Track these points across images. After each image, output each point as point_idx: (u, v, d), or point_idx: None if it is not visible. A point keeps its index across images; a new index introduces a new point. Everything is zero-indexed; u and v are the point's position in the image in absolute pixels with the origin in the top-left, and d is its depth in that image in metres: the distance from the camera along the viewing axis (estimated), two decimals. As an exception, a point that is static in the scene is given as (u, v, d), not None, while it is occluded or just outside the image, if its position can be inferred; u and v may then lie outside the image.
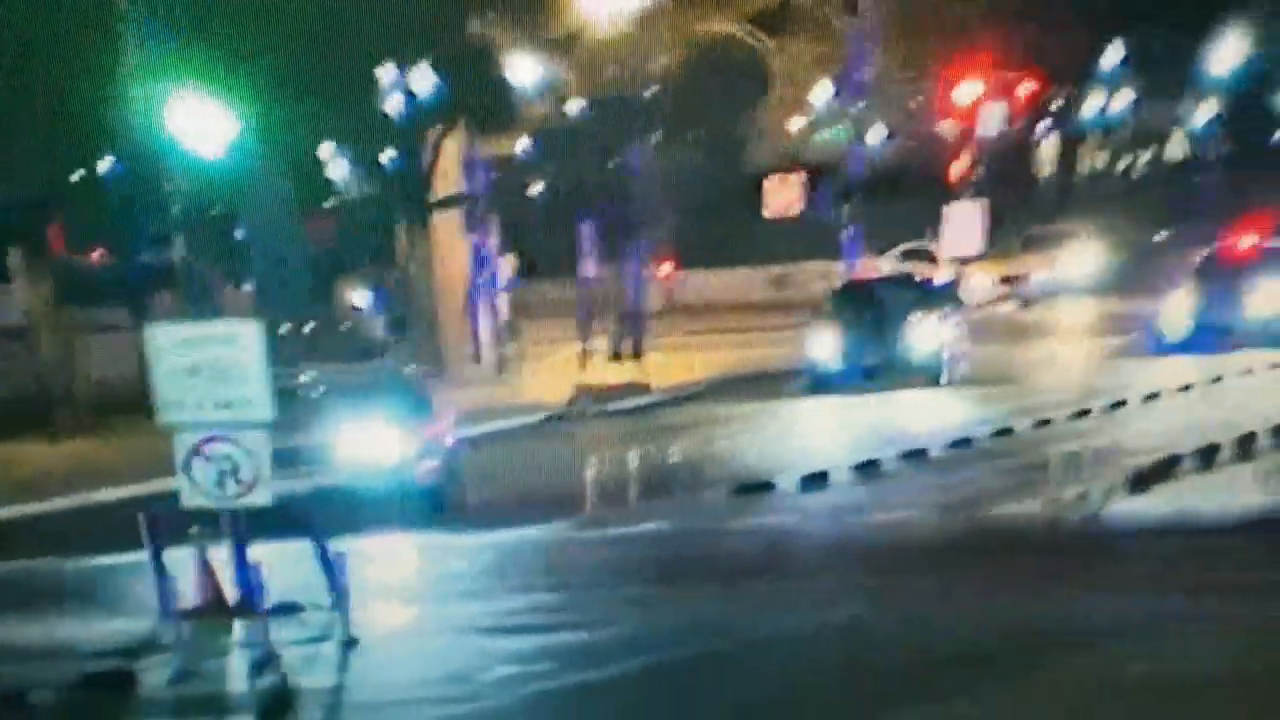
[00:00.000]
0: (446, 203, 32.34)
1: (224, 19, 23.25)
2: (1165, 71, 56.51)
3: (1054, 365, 27.38)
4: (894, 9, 41.18)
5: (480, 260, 32.60)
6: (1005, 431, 19.32)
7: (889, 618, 10.63)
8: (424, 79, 30.57)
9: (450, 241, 32.59)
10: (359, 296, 31.03)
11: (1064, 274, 41.04)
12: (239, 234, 29.81)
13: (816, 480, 16.96)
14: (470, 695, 9.54)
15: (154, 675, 10.31)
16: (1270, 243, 28.51)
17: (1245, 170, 49.78)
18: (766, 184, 44.82)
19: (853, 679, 9.41)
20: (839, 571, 12.70)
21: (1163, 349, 26.31)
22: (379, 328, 28.33)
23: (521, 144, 41.84)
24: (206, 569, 10.92)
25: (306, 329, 21.02)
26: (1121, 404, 20.67)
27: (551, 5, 32.12)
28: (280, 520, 10.92)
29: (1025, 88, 52.23)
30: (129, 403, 19.95)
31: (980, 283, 39.95)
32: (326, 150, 35.12)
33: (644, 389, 27.60)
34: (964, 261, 38.66)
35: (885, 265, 41.50)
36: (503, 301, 33.80)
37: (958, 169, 45.15)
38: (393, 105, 30.80)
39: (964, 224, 37.30)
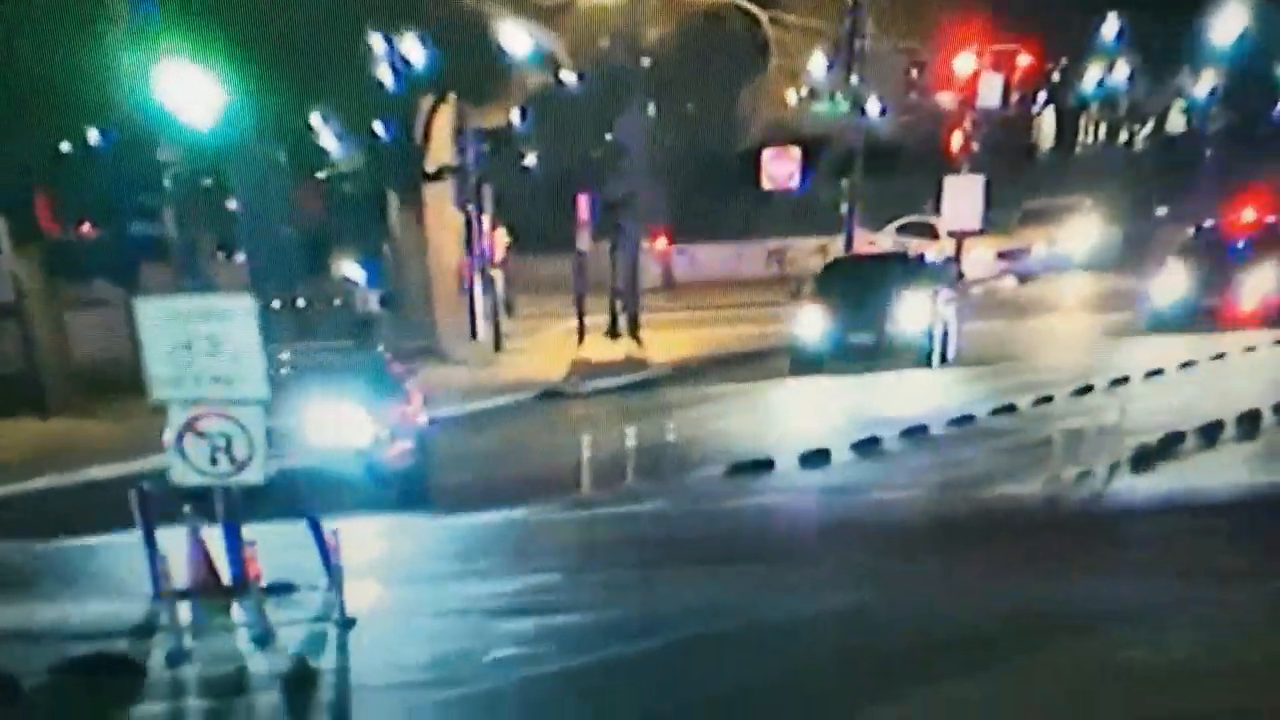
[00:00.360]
0: (439, 174, 32.22)
1: None
2: (1164, 44, 56.47)
3: (1050, 342, 27.37)
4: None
5: (473, 234, 32.51)
6: (1007, 409, 19.28)
7: (889, 600, 10.63)
8: (416, 49, 30.43)
9: (443, 214, 32.47)
10: (352, 270, 30.87)
11: (1063, 249, 41.05)
12: (230, 205, 29.66)
13: (816, 458, 16.91)
14: (469, 677, 9.51)
15: (147, 657, 10.24)
16: (1269, 218, 28.52)
17: (1245, 144, 49.79)
18: (764, 156, 44.61)
19: (853, 661, 9.41)
20: (839, 552, 12.66)
21: (1156, 325, 26.26)
22: (372, 302, 28.16)
23: (514, 115, 41.68)
24: (199, 548, 10.90)
25: (299, 303, 20.84)
26: (1123, 381, 20.64)
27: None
28: (272, 499, 10.90)
29: (1024, 60, 52.21)
30: (120, 379, 19.93)
31: (978, 258, 39.97)
32: (318, 120, 34.92)
33: (640, 365, 27.57)
34: (962, 236, 38.65)
35: (884, 240, 41.43)
36: (498, 276, 33.70)
37: (956, 142, 45.04)
38: (385, 75, 30.66)
39: (963, 197, 37.28)
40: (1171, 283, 26.72)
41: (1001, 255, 41.17)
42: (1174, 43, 55.04)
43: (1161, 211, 46.61)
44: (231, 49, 22.45)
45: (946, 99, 49.58)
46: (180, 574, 10.66)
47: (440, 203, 32.47)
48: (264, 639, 10.39)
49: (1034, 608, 10.15)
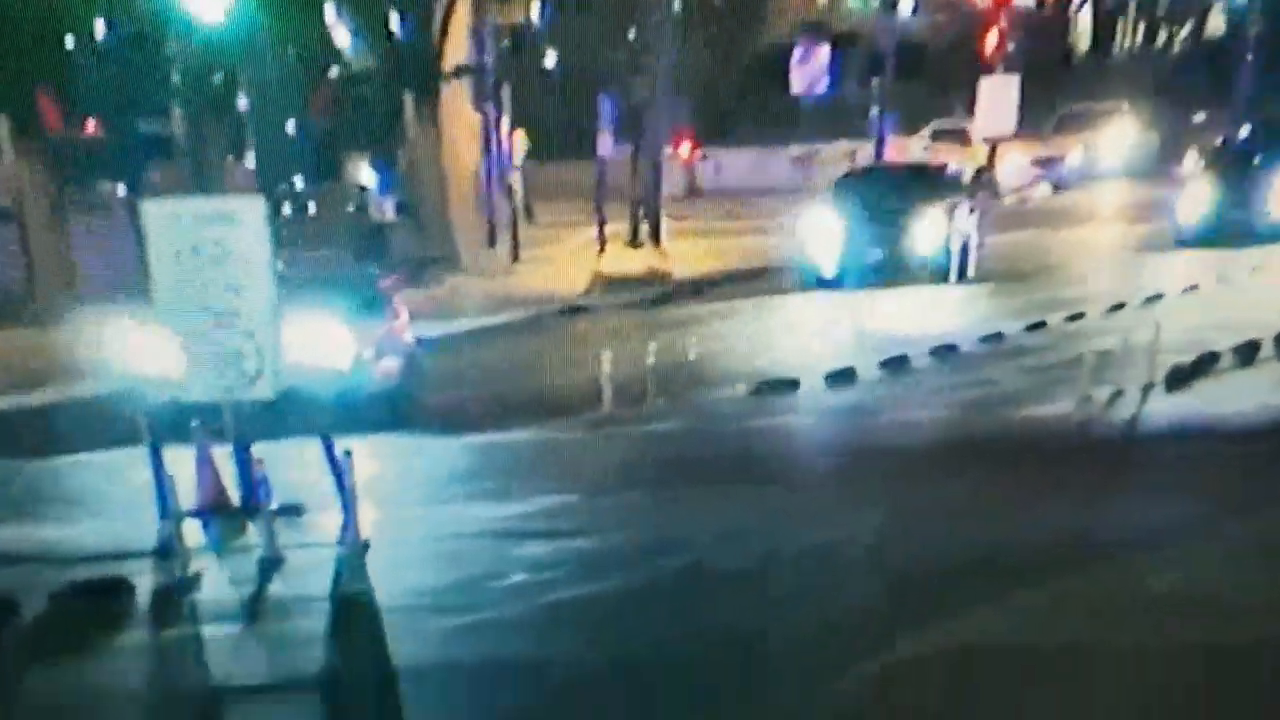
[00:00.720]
0: (456, 74, 31.95)
1: None
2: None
3: (1083, 255, 27.11)
4: None
5: (491, 137, 32.31)
6: (1038, 326, 19.25)
7: (913, 525, 10.65)
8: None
9: (460, 116, 32.23)
10: (365, 175, 30.69)
11: (1099, 156, 40.73)
12: (241, 105, 29.48)
13: (843, 377, 16.90)
14: (487, 603, 9.51)
15: (152, 580, 10.20)
16: None
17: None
18: (793, 56, 44.22)
19: (875, 589, 9.42)
20: (863, 475, 12.67)
21: (1184, 241, 25.98)
22: (386, 209, 28.01)
23: (534, 11, 41.37)
24: (209, 467, 10.87)
25: (310, 209, 20.71)
26: (1158, 297, 20.52)
27: None
28: (280, 416, 10.85)
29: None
30: (124, 287, 19.80)
31: (1012, 165, 39.67)
32: (331, 15, 34.62)
33: (662, 277, 27.37)
34: (996, 141, 38.36)
35: (915, 145, 41.16)
36: (517, 182, 33.47)
37: (991, 42, 44.59)
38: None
39: (998, 100, 36.92)
40: (1197, 196, 26.31)
41: (1036, 163, 40.83)
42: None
43: (1199, 118, 46.12)
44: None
45: (980, -6, 49.06)
46: (188, 494, 10.65)
47: (457, 104, 32.21)
48: (274, 562, 10.39)
49: (1061, 533, 10.17)
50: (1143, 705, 7.67)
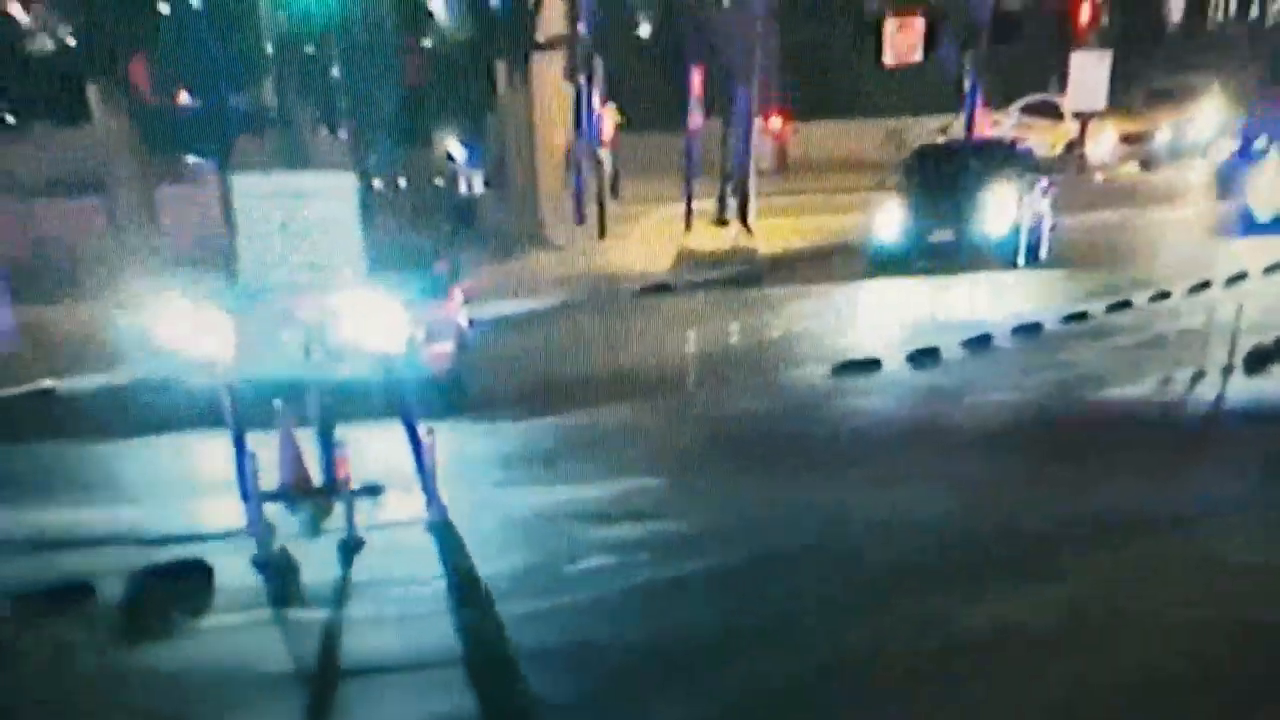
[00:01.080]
0: (549, 44, 31.83)
1: None
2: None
3: (1171, 234, 26.61)
4: None
5: (582, 109, 32.13)
6: (1122, 305, 19.15)
7: (990, 501, 10.75)
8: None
9: (551, 89, 32.14)
10: (455, 148, 30.65)
11: (1188, 132, 40.10)
12: (333, 74, 29.42)
13: (925, 357, 16.84)
14: (564, 587, 9.58)
15: (233, 560, 10.26)
16: None
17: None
18: (887, 28, 43.86)
19: (947, 564, 9.56)
20: (942, 455, 12.63)
21: (1252, 229, 25.35)
22: (475, 183, 28.03)
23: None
24: (291, 447, 10.87)
25: (400, 183, 20.71)
26: (1241, 277, 20.25)
27: None
28: (356, 397, 10.83)
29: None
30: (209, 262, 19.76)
31: (1103, 141, 39.16)
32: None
33: (749, 255, 27.11)
34: (1088, 116, 37.90)
35: (1006, 119, 40.67)
36: (606, 157, 33.29)
37: (1084, 15, 44.00)
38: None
39: (1090, 75, 36.52)
40: (1267, 180, 25.60)
41: (1125, 139, 40.24)
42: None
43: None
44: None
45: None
46: (270, 474, 10.66)
47: (549, 76, 32.11)
48: (355, 542, 10.41)
49: (1135, 511, 10.25)
50: (1210, 670, 7.79)
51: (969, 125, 36.51)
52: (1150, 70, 43.90)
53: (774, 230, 29.48)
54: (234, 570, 10.08)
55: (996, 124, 39.08)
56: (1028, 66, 43.65)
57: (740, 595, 9.31)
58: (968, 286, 22.34)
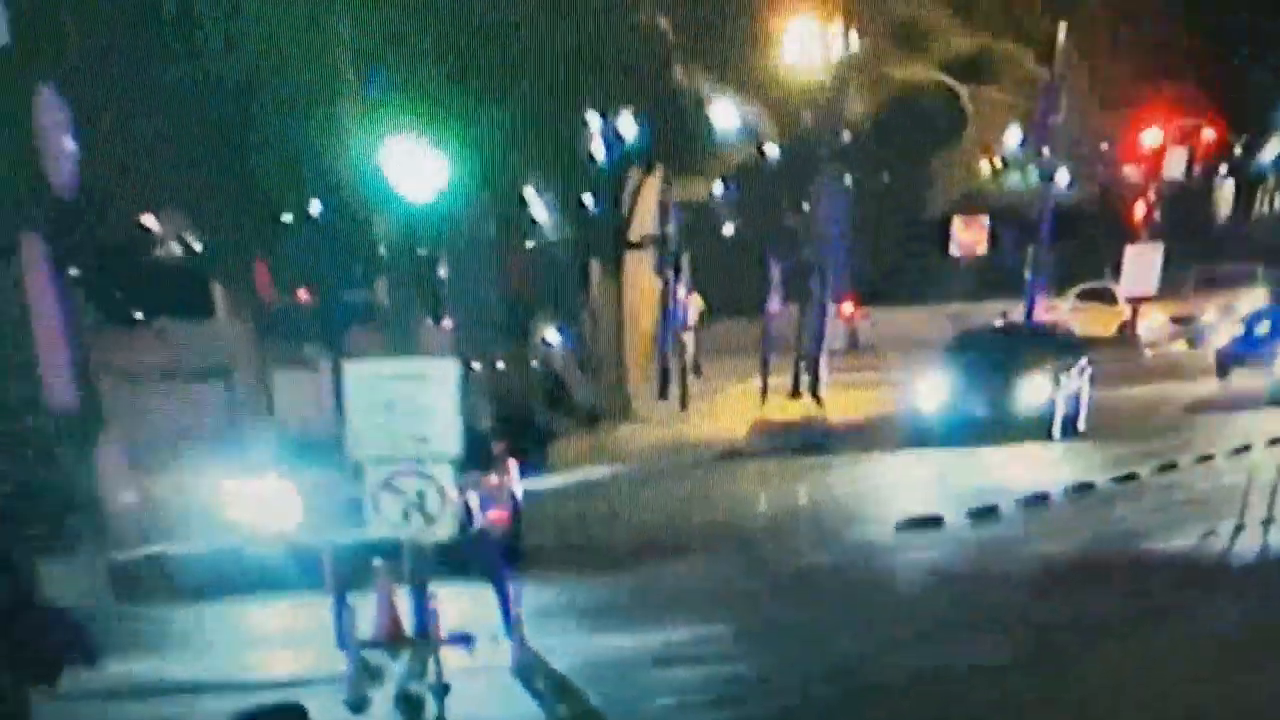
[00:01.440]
0: (640, 243, 32.42)
1: (436, 66, 23.25)
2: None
3: (1206, 405, 26.35)
4: (1085, 60, 40.54)
5: (669, 299, 32.65)
6: (1169, 467, 19.17)
7: (1049, 654, 10.65)
8: (628, 125, 30.68)
9: (641, 280, 32.64)
10: (550, 334, 31.13)
11: (1236, 316, 40.00)
12: (441, 273, 30.04)
13: (984, 514, 16.98)
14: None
15: (328, 706, 10.30)
16: None
17: None
18: (954, 224, 44.32)
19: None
20: (997, 604, 12.60)
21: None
22: (567, 365, 28.39)
23: (716, 186, 41.85)
24: (386, 600, 11.10)
25: (498, 365, 21.07)
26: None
27: (755, 53, 31.92)
28: (451, 552, 11.03)
29: (1208, 134, 51.18)
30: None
31: (1154, 322, 39.21)
32: (531, 192, 35.34)
33: (818, 425, 27.27)
34: (1139, 301, 37.98)
35: (1064, 304, 40.80)
36: (689, 340, 33.73)
37: (1139, 212, 44.29)
38: (598, 149, 30.91)
39: (1142, 265, 36.56)
40: None
41: (1175, 320, 40.24)
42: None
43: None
44: (454, 126, 22.85)
45: (1132, 171, 48.71)
46: (366, 625, 10.87)
47: (639, 270, 32.64)
48: (443, 686, 10.55)
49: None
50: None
51: (1028, 311, 36.68)
52: (1198, 259, 43.97)
53: (843, 403, 29.58)
54: (330, 714, 10.18)
55: (1054, 309, 39.19)
56: (1085, 257, 43.82)
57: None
58: (1011, 455, 22.26)
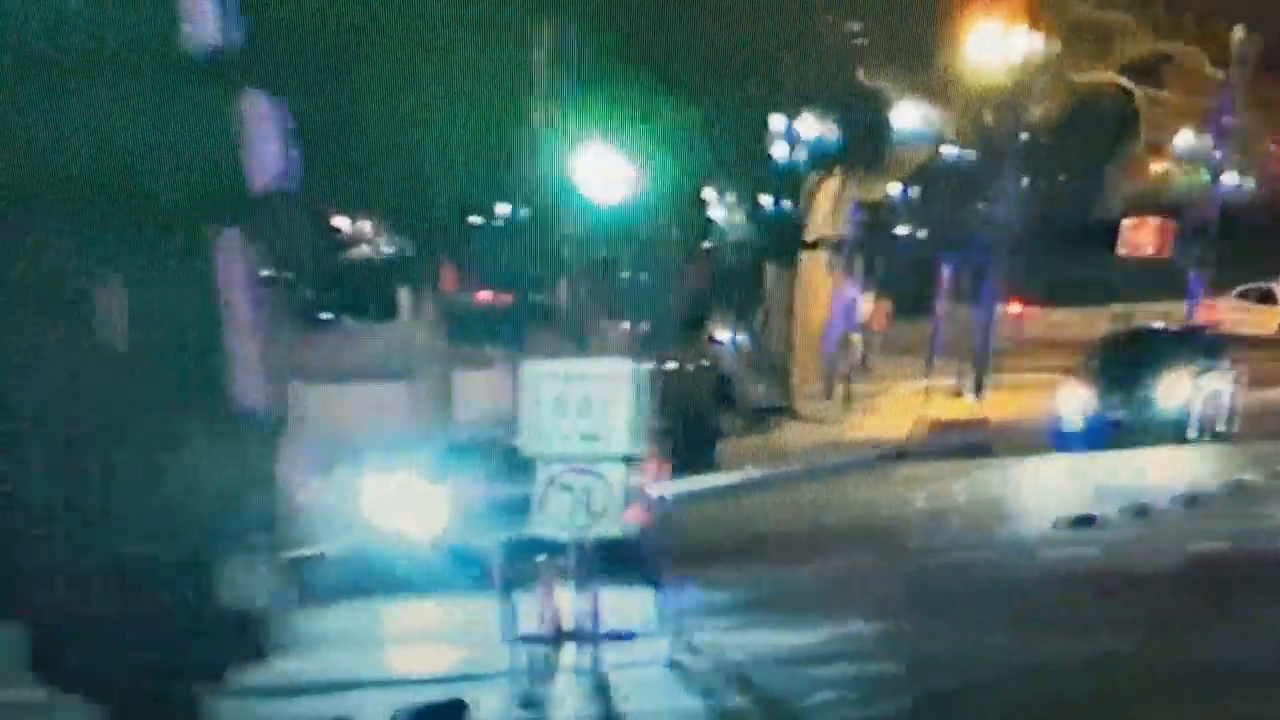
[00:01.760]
0: (817, 244, 32.09)
1: (625, 69, 23.08)
2: None
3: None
4: (1263, 59, 39.38)
5: (841, 299, 32.32)
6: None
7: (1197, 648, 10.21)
8: (811, 127, 30.37)
9: (814, 280, 32.34)
10: (722, 333, 30.97)
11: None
12: (621, 274, 29.98)
13: (1139, 512, 16.50)
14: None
15: (493, 701, 10.21)
16: None
17: None
18: (1124, 224, 43.43)
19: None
20: (1158, 600, 12.16)
21: None
22: (736, 363, 28.25)
23: (894, 188, 41.30)
24: (550, 596, 11.04)
25: (670, 364, 20.96)
26: None
27: (938, 55, 31.39)
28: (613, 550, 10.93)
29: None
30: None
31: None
32: (712, 194, 35.20)
33: (981, 425, 26.75)
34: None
35: (1224, 304, 39.69)
36: (857, 340, 33.32)
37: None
38: (779, 151, 30.66)
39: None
40: None
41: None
42: None
43: None
44: (643, 131, 22.78)
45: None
46: (531, 620, 10.81)
47: (812, 270, 32.34)
48: (602, 680, 10.46)
49: None
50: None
51: (1190, 311, 35.78)
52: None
53: (1005, 403, 29.04)
54: (492, 708, 10.11)
55: (1214, 308, 38.12)
56: (1247, 257, 42.58)
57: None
58: (1156, 456, 21.68)
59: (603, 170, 23.04)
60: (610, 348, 24.26)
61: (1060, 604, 12.33)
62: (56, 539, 5.60)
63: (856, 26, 29.45)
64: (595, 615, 10.79)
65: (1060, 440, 23.43)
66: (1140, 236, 43.29)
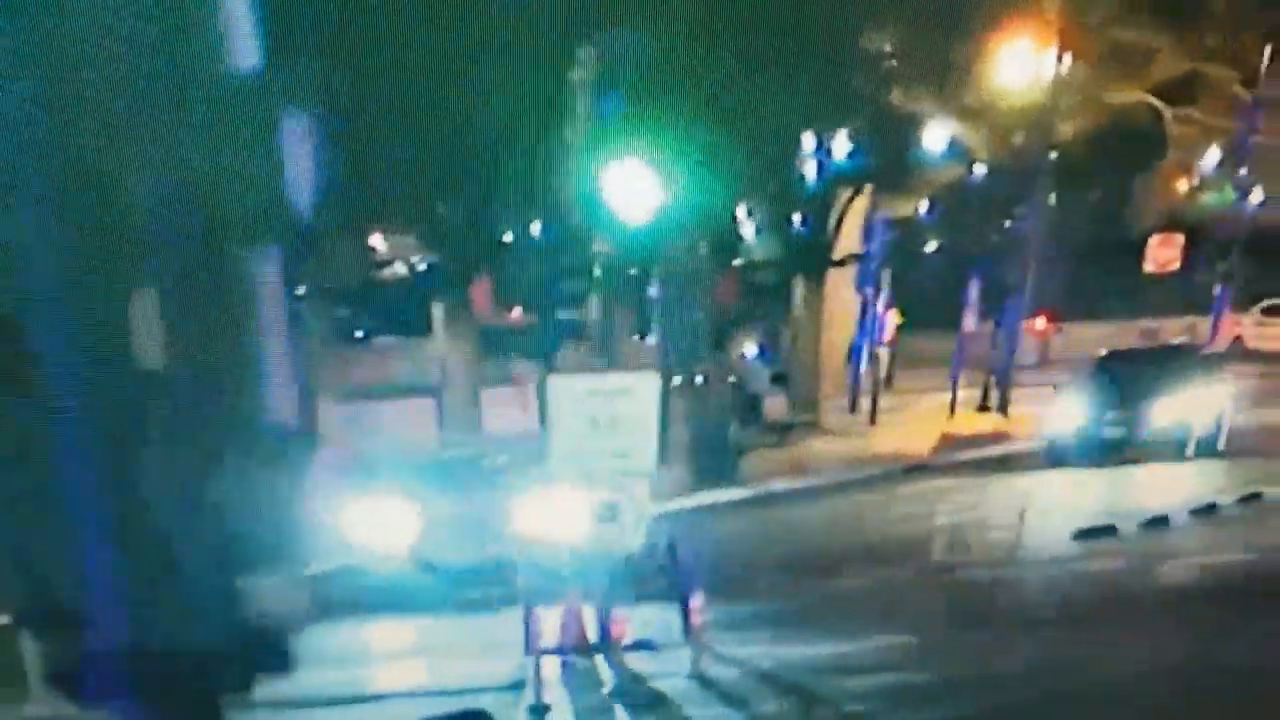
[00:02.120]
0: (843, 261, 32.04)
1: (659, 90, 23.06)
2: None
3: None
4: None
5: (867, 315, 32.22)
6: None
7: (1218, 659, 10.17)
8: (842, 146, 30.31)
9: (841, 296, 32.25)
10: (747, 347, 30.88)
11: None
12: (651, 291, 29.97)
13: (1156, 523, 16.46)
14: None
15: (513, 710, 10.33)
16: None
17: None
18: (1150, 241, 43.30)
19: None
20: (1175, 613, 12.13)
21: None
22: (763, 380, 28.19)
23: (922, 205, 41.21)
24: (574, 610, 11.09)
25: (696, 380, 21.00)
26: None
27: (969, 74, 31.29)
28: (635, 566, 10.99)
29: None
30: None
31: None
32: (742, 213, 35.16)
33: (1004, 438, 26.70)
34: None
35: (1247, 320, 39.51)
36: (882, 354, 33.20)
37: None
38: (809, 170, 30.60)
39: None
40: None
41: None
42: None
43: None
44: (674, 149, 22.79)
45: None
46: (552, 632, 10.86)
47: (839, 287, 32.25)
48: (623, 691, 10.49)
49: None
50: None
51: (1214, 327, 35.70)
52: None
53: (1029, 417, 28.85)
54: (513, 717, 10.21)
55: (1238, 324, 38.00)
56: (1273, 274, 42.45)
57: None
58: (1155, 473, 21.68)
59: (634, 189, 23.03)
60: (639, 364, 24.37)
61: (1077, 615, 12.30)
62: (90, 553, 5.67)
63: (888, 48, 29.41)
64: (617, 627, 10.85)
65: (1059, 455, 23.35)
66: (1166, 253, 43.09)
